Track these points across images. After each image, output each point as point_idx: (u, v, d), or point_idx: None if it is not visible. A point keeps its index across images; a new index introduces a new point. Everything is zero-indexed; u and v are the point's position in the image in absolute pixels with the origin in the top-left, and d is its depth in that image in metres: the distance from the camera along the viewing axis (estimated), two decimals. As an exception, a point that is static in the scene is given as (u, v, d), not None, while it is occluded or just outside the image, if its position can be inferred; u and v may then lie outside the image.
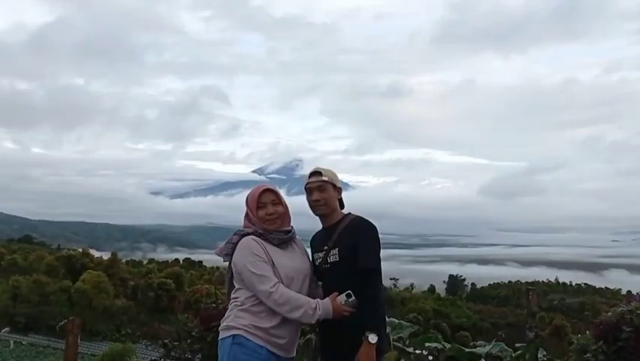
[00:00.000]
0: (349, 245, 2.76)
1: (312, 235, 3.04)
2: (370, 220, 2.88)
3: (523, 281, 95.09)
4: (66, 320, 3.97)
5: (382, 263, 2.76)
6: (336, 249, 2.79)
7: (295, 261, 2.80)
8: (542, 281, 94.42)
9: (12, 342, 31.68)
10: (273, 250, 2.74)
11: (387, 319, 4.06)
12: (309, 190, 2.89)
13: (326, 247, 2.83)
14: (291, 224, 2.91)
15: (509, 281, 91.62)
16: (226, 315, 2.76)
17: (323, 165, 2.92)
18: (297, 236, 2.92)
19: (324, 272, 2.83)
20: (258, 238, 2.75)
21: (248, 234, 2.79)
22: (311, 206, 2.90)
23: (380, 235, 2.83)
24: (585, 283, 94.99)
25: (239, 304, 2.72)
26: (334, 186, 2.89)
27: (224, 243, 2.84)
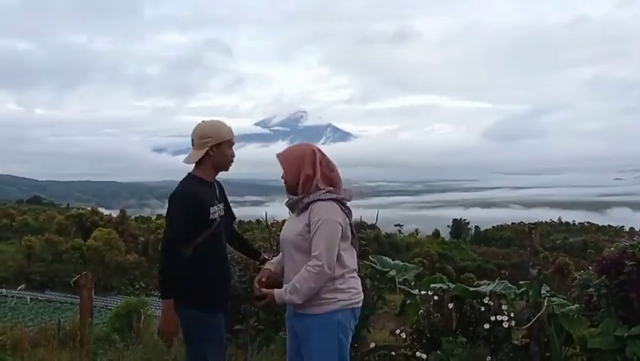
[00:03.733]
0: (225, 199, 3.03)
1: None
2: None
3: (526, 223, 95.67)
4: (79, 275, 4.07)
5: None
6: (221, 204, 2.97)
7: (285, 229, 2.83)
8: (545, 222, 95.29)
9: (29, 298, 32.49)
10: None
11: (391, 261, 4.15)
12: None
13: (216, 201, 2.93)
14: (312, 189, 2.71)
15: (512, 223, 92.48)
16: None
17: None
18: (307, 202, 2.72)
19: (219, 225, 2.92)
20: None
21: None
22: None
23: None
24: (588, 222, 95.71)
25: None
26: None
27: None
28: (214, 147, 2.85)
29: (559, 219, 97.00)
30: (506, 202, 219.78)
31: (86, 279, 3.94)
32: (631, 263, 3.32)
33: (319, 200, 2.62)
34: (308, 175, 2.66)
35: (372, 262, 3.91)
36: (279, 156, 2.78)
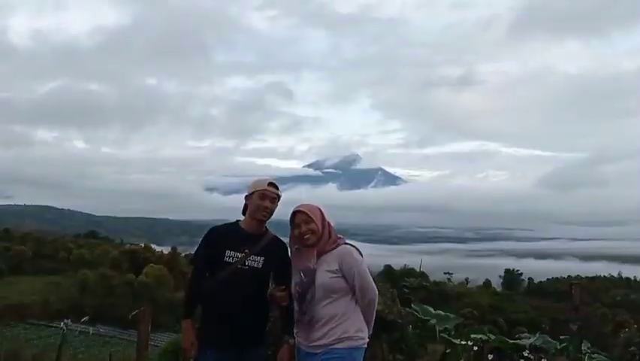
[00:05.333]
0: (274, 259, 3.17)
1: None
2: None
3: (583, 276, 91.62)
4: (138, 310, 4.37)
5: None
6: (261, 258, 3.13)
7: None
8: (604, 276, 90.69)
9: (78, 331, 33.33)
10: None
11: (432, 310, 4.25)
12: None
13: (246, 250, 3.11)
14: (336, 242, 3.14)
15: (568, 276, 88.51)
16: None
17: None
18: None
19: (237, 271, 3.09)
20: None
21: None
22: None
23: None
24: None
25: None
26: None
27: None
28: (248, 197, 3.19)
29: (619, 273, 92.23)
30: (562, 254, 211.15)
31: (144, 314, 4.23)
32: (674, 323, 3.33)
33: (346, 244, 3.10)
34: (331, 226, 3.10)
35: (414, 310, 4.03)
36: (302, 208, 3.12)
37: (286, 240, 3.23)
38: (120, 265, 49.16)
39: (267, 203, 3.15)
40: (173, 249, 55.88)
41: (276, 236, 3.25)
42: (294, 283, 3.10)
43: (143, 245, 58.32)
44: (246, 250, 3.11)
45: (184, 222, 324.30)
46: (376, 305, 3.09)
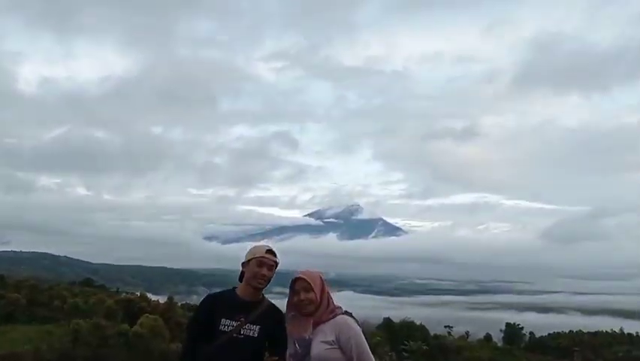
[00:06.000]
0: (270, 327, 3.12)
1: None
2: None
3: (585, 331, 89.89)
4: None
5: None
6: (257, 326, 3.09)
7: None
8: (606, 331, 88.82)
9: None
10: None
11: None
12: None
13: (242, 318, 3.08)
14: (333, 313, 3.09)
15: (570, 331, 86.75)
16: None
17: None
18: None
19: (232, 340, 3.05)
20: None
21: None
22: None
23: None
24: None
25: None
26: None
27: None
28: (245, 264, 3.16)
29: (621, 329, 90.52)
30: (564, 308, 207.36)
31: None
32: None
33: (343, 314, 3.04)
34: (330, 295, 3.06)
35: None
36: (302, 275, 3.09)
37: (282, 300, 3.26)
38: (115, 314, 48.41)
39: (265, 271, 3.15)
40: (170, 298, 54.94)
41: (272, 304, 3.22)
42: (288, 354, 3.06)
43: (139, 294, 57.51)
44: (242, 319, 3.10)
45: (182, 271, 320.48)
46: None
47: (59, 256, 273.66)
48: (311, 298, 3.02)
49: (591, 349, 69.36)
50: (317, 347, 2.95)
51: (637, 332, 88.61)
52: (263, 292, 3.24)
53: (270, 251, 3.21)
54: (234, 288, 3.23)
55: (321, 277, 3.09)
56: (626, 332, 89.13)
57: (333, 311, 3.05)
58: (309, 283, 3.04)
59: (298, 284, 3.06)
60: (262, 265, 3.15)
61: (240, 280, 3.22)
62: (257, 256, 3.16)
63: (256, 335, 3.10)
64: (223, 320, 3.09)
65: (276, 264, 3.21)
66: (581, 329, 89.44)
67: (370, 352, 2.98)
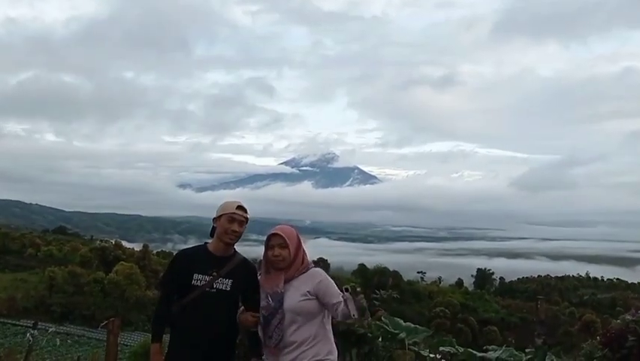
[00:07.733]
0: (242, 281, 3.12)
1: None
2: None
3: (552, 276, 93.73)
4: (107, 321, 4.30)
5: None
6: (230, 280, 3.09)
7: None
8: (572, 276, 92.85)
9: (49, 330, 32.68)
10: None
11: (402, 323, 4.30)
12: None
13: (215, 273, 3.07)
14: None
15: (538, 275, 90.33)
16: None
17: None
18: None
19: (205, 294, 3.05)
20: None
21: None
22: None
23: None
24: (617, 278, 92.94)
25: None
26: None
27: None
28: (216, 220, 3.15)
29: (586, 274, 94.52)
30: (532, 253, 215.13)
31: (114, 325, 4.17)
32: (632, 338, 3.42)
33: (314, 267, 3.12)
34: (304, 252, 3.12)
35: (384, 323, 4.07)
36: (279, 232, 3.10)
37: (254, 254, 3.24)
38: (90, 262, 48.37)
39: (236, 226, 3.12)
40: (145, 246, 55.11)
41: (244, 258, 3.21)
42: (260, 307, 3.08)
43: (113, 242, 57.43)
44: (214, 273, 3.08)
45: (156, 219, 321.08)
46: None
47: (31, 203, 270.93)
48: (285, 255, 3.04)
49: (558, 292, 72.52)
50: (290, 299, 2.99)
51: (602, 276, 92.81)
52: (235, 246, 3.25)
53: (241, 207, 3.18)
54: (206, 243, 3.22)
55: (297, 234, 3.12)
56: (591, 276, 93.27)
57: (307, 267, 3.10)
58: (285, 240, 3.06)
59: (274, 240, 3.07)
60: (233, 221, 3.12)
61: (212, 235, 3.21)
62: (227, 212, 3.13)
63: (229, 288, 3.10)
64: (196, 275, 3.07)
65: (247, 220, 3.20)
66: (549, 273, 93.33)
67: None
